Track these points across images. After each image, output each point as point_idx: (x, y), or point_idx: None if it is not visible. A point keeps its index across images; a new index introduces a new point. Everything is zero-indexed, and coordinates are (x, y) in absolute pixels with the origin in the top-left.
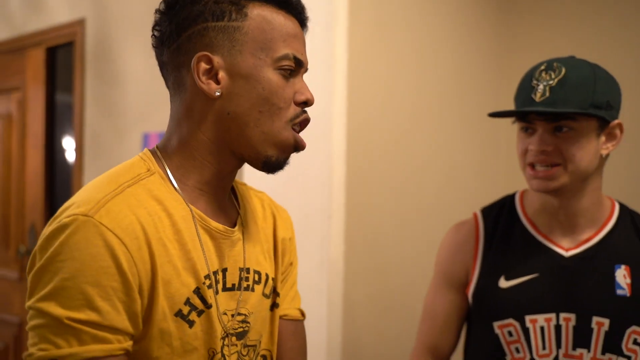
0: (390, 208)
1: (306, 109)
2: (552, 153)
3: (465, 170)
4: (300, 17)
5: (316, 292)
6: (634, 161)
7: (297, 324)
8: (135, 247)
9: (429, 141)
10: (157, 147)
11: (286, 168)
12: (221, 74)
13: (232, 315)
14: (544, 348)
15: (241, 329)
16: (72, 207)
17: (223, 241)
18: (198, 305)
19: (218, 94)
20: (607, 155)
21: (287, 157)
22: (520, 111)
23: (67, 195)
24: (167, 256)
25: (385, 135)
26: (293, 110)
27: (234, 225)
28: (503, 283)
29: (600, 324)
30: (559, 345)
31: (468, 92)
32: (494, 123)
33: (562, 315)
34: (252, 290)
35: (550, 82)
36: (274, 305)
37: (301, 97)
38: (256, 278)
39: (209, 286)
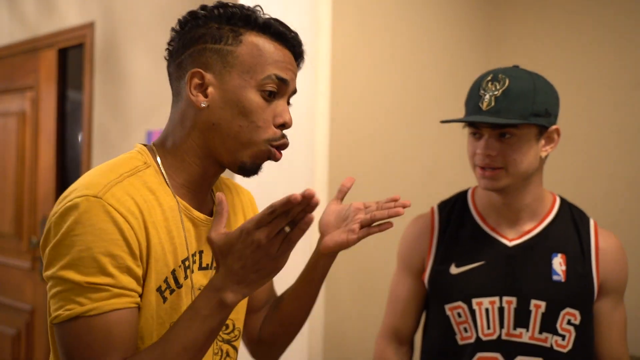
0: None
1: (291, 113)
2: (496, 157)
3: (448, 166)
4: (294, 50)
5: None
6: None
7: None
8: (136, 225)
9: (412, 138)
10: (154, 143)
11: (271, 166)
12: (210, 90)
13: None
14: (488, 328)
15: None
16: (79, 189)
17: (203, 228)
18: (172, 285)
19: (204, 105)
20: (547, 156)
21: (260, 164)
22: (467, 120)
23: None
24: (157, 237)
25: (367, 132)
26: (272, 132)
27: (211, 215)
28: (454, 270)
29: (537, 306)
30: (502, 326)
31: (450, 88)
32: None
33: (505, 298)
34: None
35: (495, 92)
36: None
37: (279, 120)
38: None
39: (187, 267)
